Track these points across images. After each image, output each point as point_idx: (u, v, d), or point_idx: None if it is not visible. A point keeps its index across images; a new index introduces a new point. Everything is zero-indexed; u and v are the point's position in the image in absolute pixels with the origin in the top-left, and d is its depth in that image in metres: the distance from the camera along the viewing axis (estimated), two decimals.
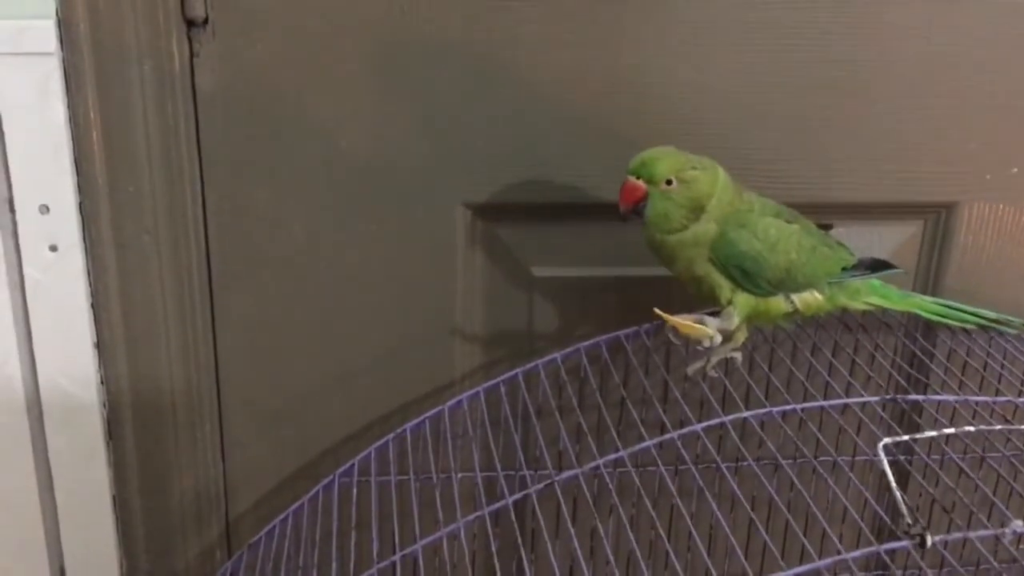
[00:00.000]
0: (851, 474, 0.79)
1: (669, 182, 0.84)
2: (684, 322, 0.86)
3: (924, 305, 0.97)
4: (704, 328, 0.87)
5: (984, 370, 0.96)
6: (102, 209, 0.92)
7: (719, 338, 0.87)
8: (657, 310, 0.85)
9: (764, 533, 0.71)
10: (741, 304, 0.88)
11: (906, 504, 0.65)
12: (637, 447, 0.79)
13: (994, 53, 0.98)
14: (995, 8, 0.96)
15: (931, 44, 0.97)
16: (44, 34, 0.86)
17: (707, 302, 0.89)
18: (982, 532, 0.65)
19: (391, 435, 0.95)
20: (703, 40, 0.95)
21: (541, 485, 0.79)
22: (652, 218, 0.85)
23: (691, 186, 0.84)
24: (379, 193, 0.97)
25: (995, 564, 0.64)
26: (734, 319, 0.88)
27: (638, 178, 0.85)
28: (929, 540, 0.62)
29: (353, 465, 0.94)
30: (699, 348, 0.89)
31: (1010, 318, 0.98)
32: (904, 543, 0.63)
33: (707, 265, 0.87)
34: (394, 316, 1.01)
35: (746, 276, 0.87)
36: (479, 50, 0.93)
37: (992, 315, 0.98)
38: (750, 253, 0.86)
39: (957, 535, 0.65)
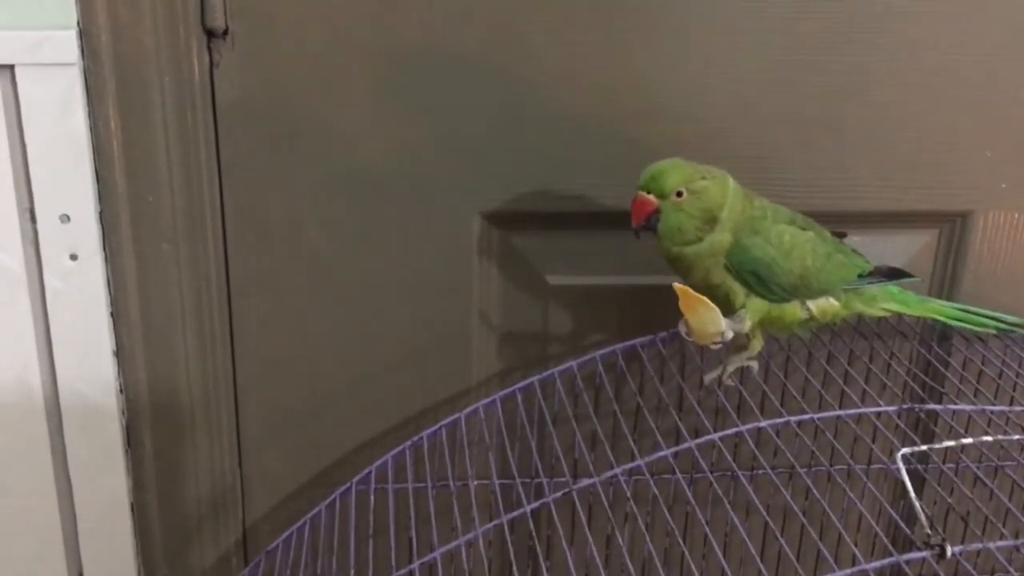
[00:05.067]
0: (867, 482, 0.79)
1: (680, 194, 0.84)
2: (701, 296, 0.84)
3: (942, 310, 0.97)
4: (715, 313, 0.85)
5: (999, 378, 0.96)
6: (122, 218, 0.93)
7: (730, 334, 0.87)
8: (676, 284, 0.85)
9: (781, 540, 0.71)
10: (753, 309, 0.89)
11: (925, 514, 0.65)
12: (654, 455, 0.79)
13: (1009, 63, 0.98)
14: (1010, 19, 0.96)
15: (946, 54, 0.97)
16: (65, 44, 0.87)
17: (723, 310, 0.89)
18: (1001, 543, 0.65)
19: (408, 442, 0.95)
20: (720, 49, 0.95)
21: (559, 493, 0.79)
22: (665, 231, 0.86)
23: (702, 196, 0.84)
24: (395, 202, 0.97)
25: (1015, 574, 0.64)
26: (746, 322, 0.88)
27: (648, 193, 0.85)
28: (949, 550, 0.62)
29: (370, 472, 0.95)
30: (711, 347, 0.88)
31: None
32: (924, 553, 0.63)
33: (723, 273, 0.88)
34: (410, 324, 1.02)
35: (760, 282, 0.88)
36: (495, 60, 0.93)
37: (1011, 319, 0.98)
38: (764, 259, 0.87)
39: (976, 545, 0.65)
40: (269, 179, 0.95)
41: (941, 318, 0.97)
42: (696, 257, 0.87)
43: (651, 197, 0.85)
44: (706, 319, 0.85)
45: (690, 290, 0.84)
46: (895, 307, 0.95)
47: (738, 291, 0.88)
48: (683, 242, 0.86)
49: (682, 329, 0.89)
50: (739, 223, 0.86)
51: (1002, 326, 0.98)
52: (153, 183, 0.93)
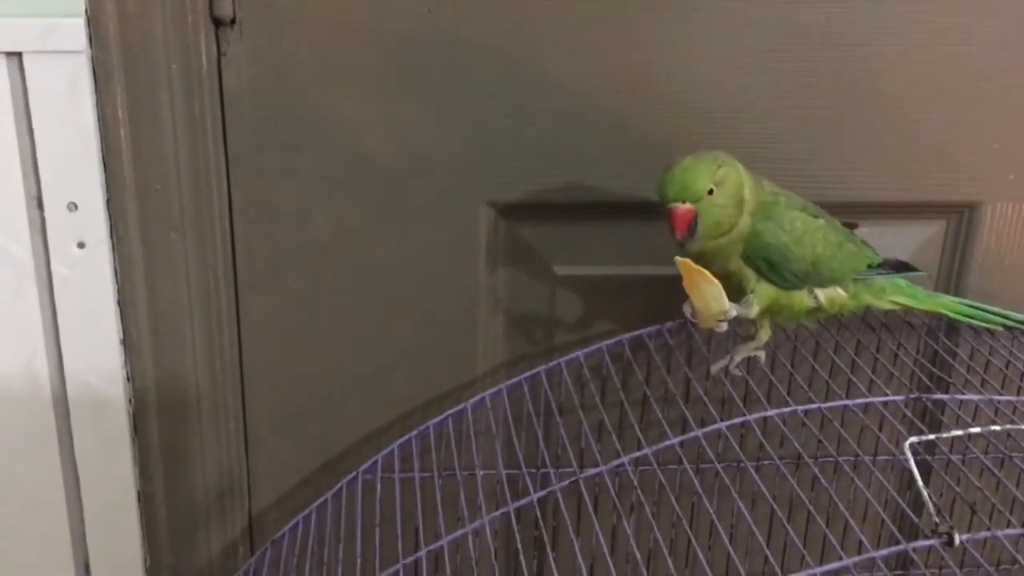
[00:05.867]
0: (874, 471, 0.79)
1: (711, 191, 0.83)
2: (703, 270, 0.84)
3: (951, 305, 0.97)
4: (718, 289, 0.84)
5: (1007, 369, 0.96)
6: (129, 207, 0.93)
7: (733, 312, 0.86)
8: (678, 258, 0.84)
9: (789, 529, 0.71)
10: (762, 294, 0.89)
11: (933, 502, 0.65)
12: (661, 445, 0.79)
13: (1018, 54, 0.98)
14: (1019, 10, 0.96)
15: (954, 46, 0.97)
16: (73, 32, 0.87)
17: (736, 297, 0.89)
18: (1009, 531, 0.65)
19: (414, 432, 0.95)
20: (728, 41, 0.95)
21: (566, 483, 0.79)
22: (705, 230, 0.84)
23: (727, 184, 0.84)
24: (403, 192, 0.97)
25: (1023, 562, 0.64)
26: (753, 307, 0.88)
27: (682, 201, 0.83)
28: (957, 539, 0.62)
29: (376, 462, 0.95)
30: (716, 329, 0.88)
31: None
32: (932, 541, 0.63)
33: (739, 261, 0.87)
34: (417, 314, 1.02)
35: (772, 268, 0.87)
36: (503, 50, 0.93)
37: (1019, 316, 0.98)
38: (776, 245, 0.86)
39: (984, 533, 0.65)
40: (276, 168, 0.95)
41: (949, 313, 0.97)
42: (727, 245, 0.86)
43: (688, 205, 0.83)
44: (708, 295, 0.85)
45: (692, 263, 0.84)
46: (903, 300, 0.95)
47: (750, 277, 0.88)
48: (720, 234, 0.85)
49: (686, 310, 0.89)
50: (755, 205, 0.86)
51: (1010, 323, 0.98)
52: (160, 172, 0.93)
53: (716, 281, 0.84)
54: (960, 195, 1.03)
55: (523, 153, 0.97)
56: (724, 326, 0.88)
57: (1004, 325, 0.98)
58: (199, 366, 1.00)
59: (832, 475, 0.87)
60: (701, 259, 0.87)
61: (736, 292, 0.88)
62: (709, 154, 0.85)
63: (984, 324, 0.98)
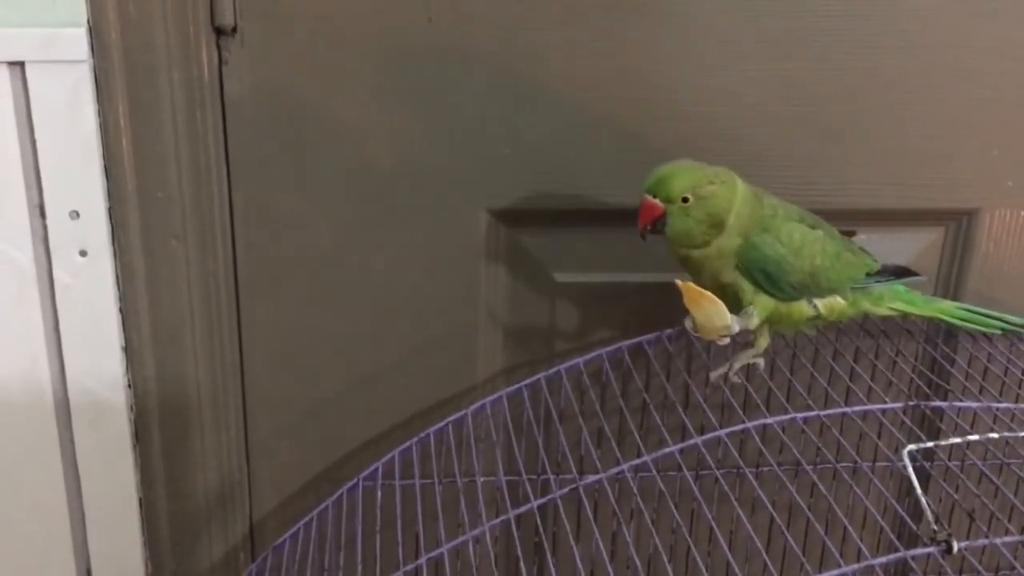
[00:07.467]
0: (873, 478, 0.79)
1: (686, 199, 0.83)
2: (704, 291, 0.84)
3: (949, 310, 0.97)
4: (720, 307, 0.85)
5: (1005, 376, 0.96)
6: (131, 215, 0.94)
7: (736, 328, 0.87)
8: (679, 281, 0.85)
9: (788, 536, 0.72)
10: (761, 306, 0.89)
11: (931, 510, 0.65)
12: (661, 452, 0.79)
13: (1016, 61, 0.98)
14: (1018, 17, 0.96)
15: (952, 53, 0.97)
16: (75, 42, 0.87)
17: (732, 308, 0.89)
18: (1007, 539, 0.65)
19: (414, 439, 0.96)
20: (728, 49, 0.95)
21: (566, 490, 0.79)
22: (672, 235, 0.85)
23: (709, 201, 0.84)
24: (403, 199, 0.98)
25: (1021, 570, 0.65)
26: (753, 318, 0.88)
27: (654, 196, 0.84)
28: (955, 546, 0.62)
29: (377, 468, 0.95)
30: (718, 342, 0.88)
31: None
32: (930, 549, 0.63)
33: (734, 272, 0.88)
34: (417, 321, 1.02)
35: (770, 280, 0.88)
36: (503, 58, 0.94)
37: (1016, 319, 0.98)
38: (774, 257, 0.87)
39: (982, 541, 0.65)
40: (277, 176, 0.95)
41: (947, 318, 0.97)
42: (704, 259, 0.87)
43: (657, 201, 0.84)
44: (711, 313, 0.85)
45: (692, 286, 0.84)
46: (902, 306, 0.95)
47: (747, 289, 0.88)
48: (691, 246, 0.86)
49: (688, 325, 0.89)
50: (748, 225, 0.86)
51: (1007, 326, 0.98)
52: (162, 180, 0.93)
53: (718, 300, 0.84)
54: (959, 202, 1.03)
55: (523, 160, 0.97)
56: (727, 341, 0.88)
57: (1002, 328, 0.98)
58: (200, 373, 1.01)
59: (831, 482, 0.87)
60: (687, 265, 0.88)
61: (732, 304, 0.88)
62: (710, 167, 0.85)
63: (982, 328, 0.98)
